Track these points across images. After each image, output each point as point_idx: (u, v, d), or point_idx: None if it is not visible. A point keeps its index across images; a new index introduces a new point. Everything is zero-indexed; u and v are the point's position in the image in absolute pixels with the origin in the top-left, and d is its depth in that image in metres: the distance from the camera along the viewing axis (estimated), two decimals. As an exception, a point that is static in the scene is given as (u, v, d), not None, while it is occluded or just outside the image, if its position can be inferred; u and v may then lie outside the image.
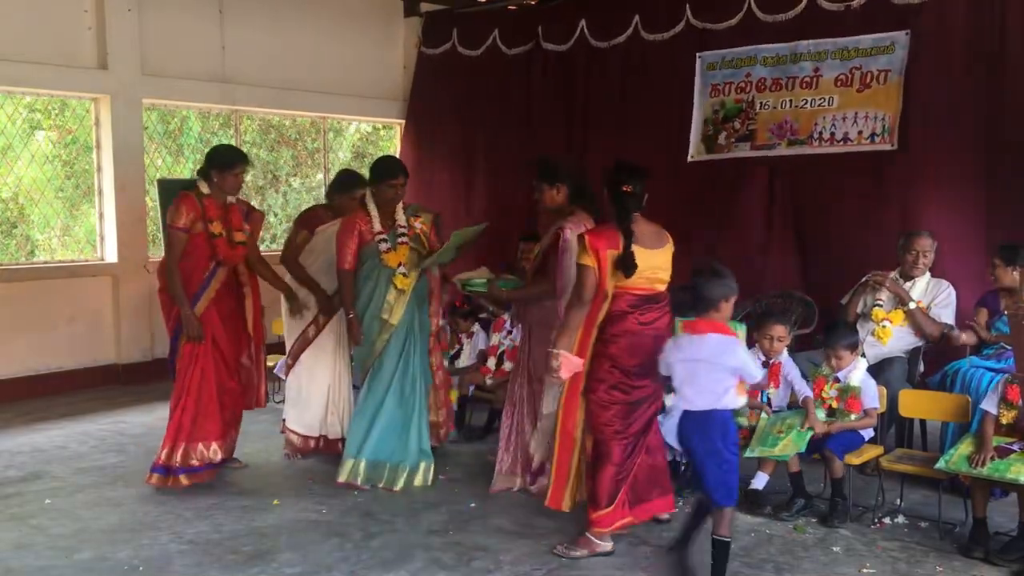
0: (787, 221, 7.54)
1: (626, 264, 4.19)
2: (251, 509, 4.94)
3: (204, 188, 5.24)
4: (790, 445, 4.76)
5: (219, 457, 5.33)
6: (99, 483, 5.38)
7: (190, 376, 5.22)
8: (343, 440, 5.72)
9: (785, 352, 5.17)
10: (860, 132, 7.15)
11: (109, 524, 4.72)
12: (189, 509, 4.92)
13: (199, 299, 5.22)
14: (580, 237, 4.37)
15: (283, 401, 6.07)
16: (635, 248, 4.22)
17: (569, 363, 4.28)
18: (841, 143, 7.24)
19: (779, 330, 5.13)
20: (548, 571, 4.16)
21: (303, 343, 5.76)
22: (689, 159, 7.98)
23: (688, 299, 4.03)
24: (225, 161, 5.26)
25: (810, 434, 4.76)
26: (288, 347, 5.85)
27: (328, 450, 5.79)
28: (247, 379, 5.57)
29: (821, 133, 7.32)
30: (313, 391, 5.77)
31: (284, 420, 5.91)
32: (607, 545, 4.37)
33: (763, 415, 4.99)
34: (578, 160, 8.33)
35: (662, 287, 4.40)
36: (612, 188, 4.35)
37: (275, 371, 6.41)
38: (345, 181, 5.92)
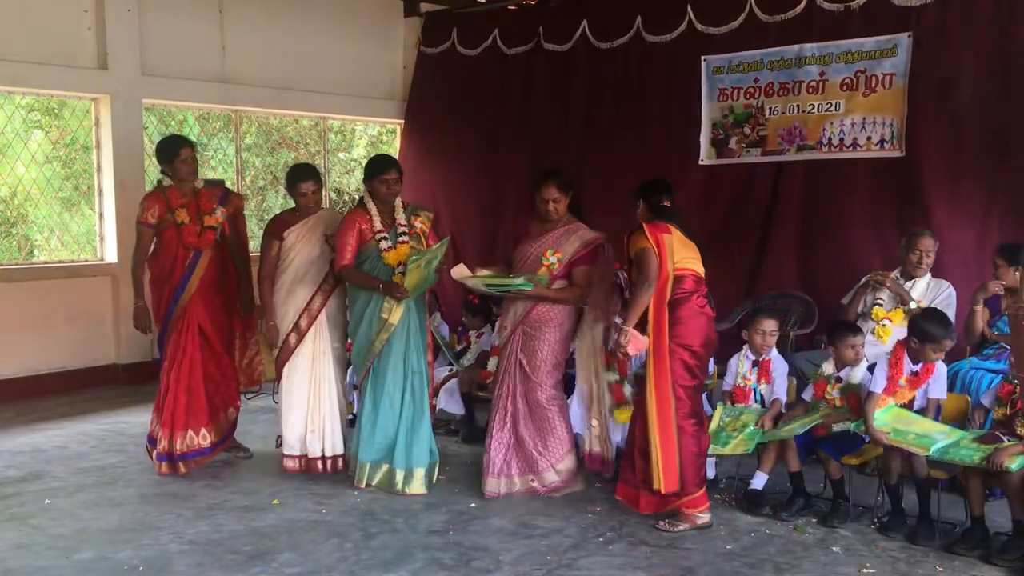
0: (793, 223, 7.53)
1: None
2: (251, 509, 4.94)
3: (166, 181, 5.53)
4: (740, 444, 4.78)
5: (208, 442, 5.54)
6: (99, 483, 5.38)
7: (179, 366, 5.44)
8: (323, 459, 5.52)
9: (775, 350, 5.18)
10: (869, 138, 7.15)
11: (109, 524, 4.72)
12: (189, 509, 4.92)
13: (183, 289, 5.43)
14: (639, 228, 4.71)
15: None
16: (682, 235, 4.75)
17: (637, 340, 4.57)
18: (850, 149, 7.23)
19: (769, 324, 5.14)
20: (548, 571, 4.16)
21: (286, 352, 5.49)
22: (700, 162, 7.97)
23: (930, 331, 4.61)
24: (167, 152, 5.50)
25: (759, 435, 4.80)
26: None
27: (309, 470, 5.51)
28: (242, 359, 5.78)
29: (830, 139, 7.31)
30: (291, 408, 5.54)
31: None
32: (706, 517, 4.65)
33: (718, 411, 5.00)
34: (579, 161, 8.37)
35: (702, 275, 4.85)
36: (651, 202, 4.98)
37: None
38: (289, 177, 5.62)
